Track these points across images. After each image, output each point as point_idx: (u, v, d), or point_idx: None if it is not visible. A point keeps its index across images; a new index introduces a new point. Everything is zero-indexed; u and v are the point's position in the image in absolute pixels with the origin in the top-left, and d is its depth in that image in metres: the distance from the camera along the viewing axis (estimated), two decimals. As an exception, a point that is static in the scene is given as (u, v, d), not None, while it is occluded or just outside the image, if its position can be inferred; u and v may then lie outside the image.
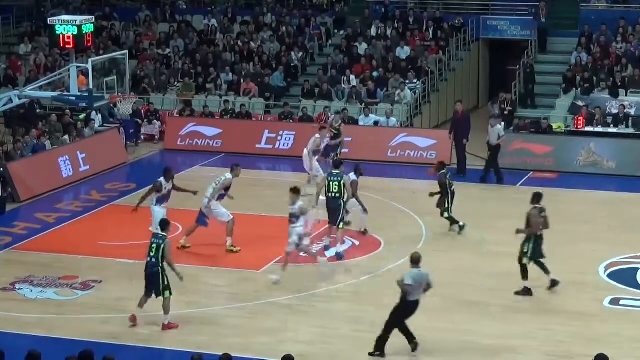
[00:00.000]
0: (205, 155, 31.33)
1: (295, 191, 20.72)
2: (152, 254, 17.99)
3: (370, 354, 17.16)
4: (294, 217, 20.48)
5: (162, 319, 18.29)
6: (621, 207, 26.63)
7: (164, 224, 18.53)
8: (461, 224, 24.06)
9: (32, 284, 20.78)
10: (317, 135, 27.08)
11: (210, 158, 31.08)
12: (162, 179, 22.23)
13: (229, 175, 22.75)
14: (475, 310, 19.39)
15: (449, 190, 23.93)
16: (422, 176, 29.07)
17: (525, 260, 19.99)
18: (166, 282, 17.99)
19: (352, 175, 23.22)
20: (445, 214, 24.05)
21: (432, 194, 24.11)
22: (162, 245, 17.89)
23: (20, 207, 26.66)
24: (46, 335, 18.08)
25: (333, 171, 22.78)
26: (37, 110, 33.81)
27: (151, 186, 22.32)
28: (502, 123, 32.03)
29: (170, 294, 18.11)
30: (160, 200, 22.14)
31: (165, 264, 18.00)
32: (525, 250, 19.98)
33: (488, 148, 28.92)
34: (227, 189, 22.74)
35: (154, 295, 18.27)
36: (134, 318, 18.52)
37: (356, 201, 23.44)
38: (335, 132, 28.50)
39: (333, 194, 22.38)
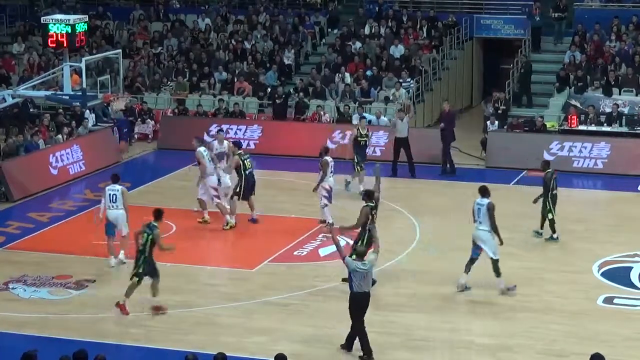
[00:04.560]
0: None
1: None
2: None
3: (360, 358, 17.07)
4: None
5: None
6: (615, 206, 26.64)
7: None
8: (555, 236, 23.27)
9: (26, 283, 20.72)
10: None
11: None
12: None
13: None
14: (470, 309, 19.38)
15: (549, 192, 23.16)
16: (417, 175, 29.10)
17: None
18: None
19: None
20: (550, 215, 23.19)
21: (535, 200, 23.46)
22: None
23: (14, 206, 26.60)
24: (40, 334, 18.01)
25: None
26: (31, 110, 33.73)
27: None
28: (496, 122, 32.16)
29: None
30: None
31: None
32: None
33: (397, 142, 28.69)
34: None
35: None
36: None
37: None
38: (365, 137, 27.83)
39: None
